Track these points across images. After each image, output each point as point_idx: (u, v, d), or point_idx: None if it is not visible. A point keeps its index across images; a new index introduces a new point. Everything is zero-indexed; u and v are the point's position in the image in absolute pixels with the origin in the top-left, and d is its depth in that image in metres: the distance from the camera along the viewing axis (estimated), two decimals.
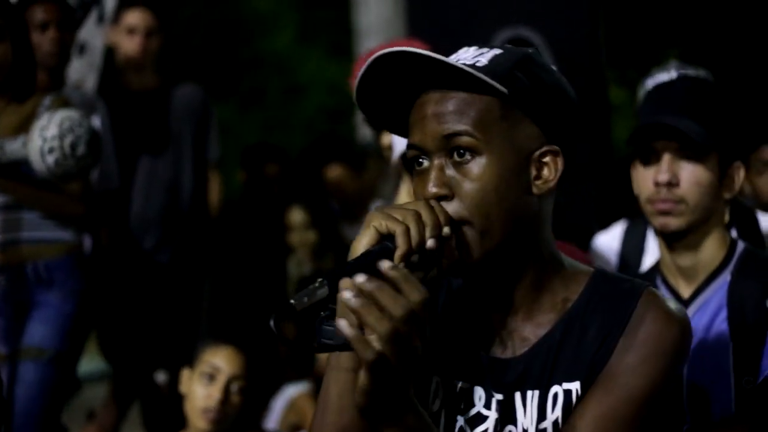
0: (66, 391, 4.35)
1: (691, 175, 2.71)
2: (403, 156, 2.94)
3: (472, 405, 1.92)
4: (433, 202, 1.82)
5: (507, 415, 1.90)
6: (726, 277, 2.74)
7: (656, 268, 2.86)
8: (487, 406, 1.91)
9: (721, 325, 2.70)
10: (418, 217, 1.78)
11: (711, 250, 2.76)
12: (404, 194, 3.46)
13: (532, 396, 1.90)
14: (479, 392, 1.92)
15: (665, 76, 3.46)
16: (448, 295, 1.98)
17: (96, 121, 4.64)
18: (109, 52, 5.45)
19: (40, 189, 4.05)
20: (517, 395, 1.90)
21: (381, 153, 4.37)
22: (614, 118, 4.83)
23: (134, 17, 5.32)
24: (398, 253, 1.77)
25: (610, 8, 4.61)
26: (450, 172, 1.84)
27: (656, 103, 2.82)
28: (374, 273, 1.75)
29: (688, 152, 2.71)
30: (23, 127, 3.98)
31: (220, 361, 3.59)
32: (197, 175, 5.42)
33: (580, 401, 1.87)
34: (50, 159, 3.78)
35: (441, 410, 1.94)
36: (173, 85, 5.46)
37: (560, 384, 1.89)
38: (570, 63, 4.37)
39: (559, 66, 4.45)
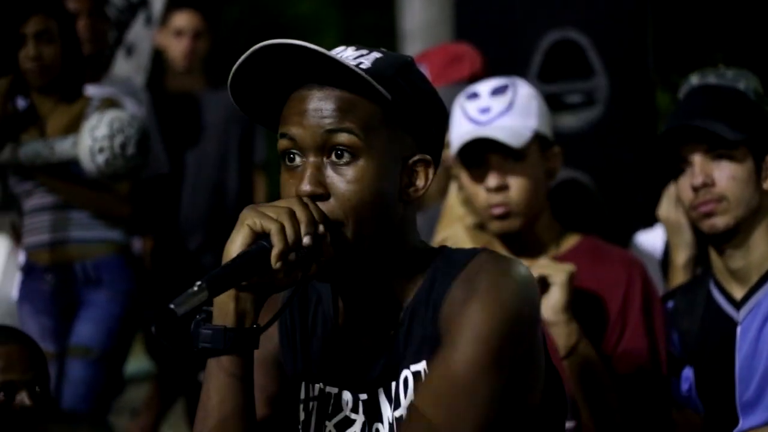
0: (112, 391, 4.38)
1: (724, 172, 2.72)
2: (460, 152, 2.94)
3: (341, 410, 1.90)
4: (306, 200, 1.79)
5: (373, 414, 1.87)
6: None
7: (709, 272, 2.85)
8: (355, 409, 1.89)
9: None
10: (292, 214, 1.76)
11: (761, 250, 2.76)
12: (453, 194, 3.46)
13: (395, 387, 1.86)
14: (347, 396, 1.90)
15: (686, 87, 3.45)
16: (316, 304, 1.96)
17: (140, 108, 4.67)
18: (157, 53, 5.48)
19: (89, 189, 4.08)
20: (381, 391, 1.87)
21: None
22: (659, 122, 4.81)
23: (182, 19, 5.35)
24: (275, 252, 1.74)
25: (657, 12, 4.59)
26: (326, 171, 1.81)
27: (678, 110, 2.84)
28: (252, 274, 1.75)
29: (717, 151, 2.73)
30: (72, 127, 4.02)
31: None
32: (243, 177, 5.44)
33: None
34: (100, 159, 3.81)
35: (311, 417, 1.92)
36: (220, 88, 5.49)
37: (408, 367, 1.85)
38: (617, 66, 4.35)
39: (607, 69, 4.44)
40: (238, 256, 1.74)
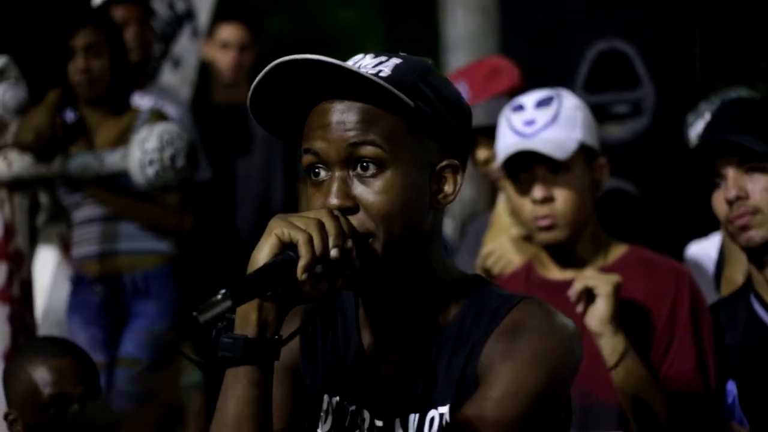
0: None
1: (758, 185, 2.71)
2: (506, 163, 2.94)
3: (356, 427, 1.86)
4: (336, 212, 1.75)
5: None
6: None
7: (749, 285, 2.84)
8: (371, 430, 1.85)
9: None
10: (321, 226, 1.72)
11: None
12: (501, 205, 3.47)
13: (414, 420, 1.83)
14: (364, 415, 1.86)
15: (701, 122, 3.45)
16: (342, 316, 1.93)
17: (182, 113, 4.71)
18: (203, 66, 5.52)
19: (137, 200, 4.12)
20: (397, 421, 1.84)
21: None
22: None
23: (228, 32, 5.37)
24: (302, 263, 1.70)
25: (703, 21, 4.58)
26: (352, 184, 1.77)
27: (710, 124, 2.84)
28: (278, 285, 1.71)
29: (749, 164, 2.72)
30: (121, 139, 4.06)
31: None
32: (288, 188, 5.46)
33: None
34: (150, 171, 3.84)
35: (328, 430, 1.88)
36: None
37: (436, 407, 1.82)
38: (664, 76, 4.35)
39: (654, 79, 4.43)
40: (264, 266, 1.71)
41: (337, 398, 1.89)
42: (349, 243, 1.74)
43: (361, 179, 1.78)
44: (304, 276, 1.71)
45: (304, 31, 11.94)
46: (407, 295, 1.83)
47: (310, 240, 1.70)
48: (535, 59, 4.24)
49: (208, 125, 5.21)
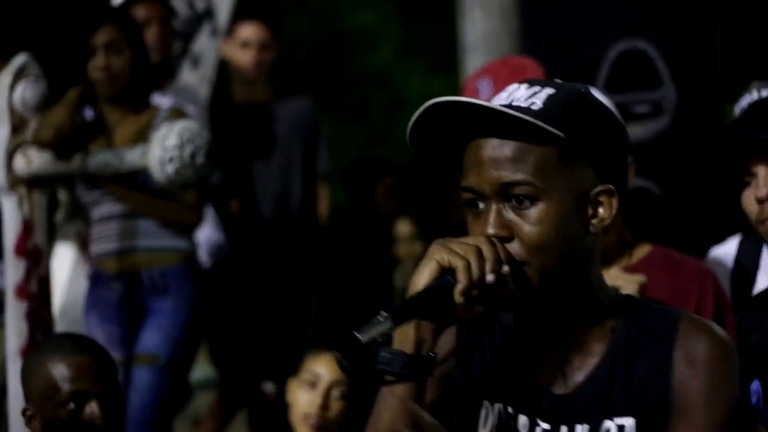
0: (177, 398, 4.40)
1: None
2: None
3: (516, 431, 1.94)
4: (494, 239, 1.85)
5: None
6: None
7: None
8: None
9: None
10: (479, 252, 1.83)
11: None
12: None
13: (584, 430, 1.90)
14: (523, 420, 1.93)
15: (748, 98, 3.43)
16: (499, 327, 2.00)
17: (200, 115, 4.72)
18: (222, 64, 5.51)
19: (156, 198, 4.12)
20: (564, 429, 1.91)
21: None
22: None
23: (248, 31, 5.37)
24: (459, 287, 1.81)
25: (725, 22, 4.56)
26: (508, 214, 1.87)
27: (741, 121, 2.81)
28: (435, 307, 1.82)
29: None
30: (140, 137, 4.06)
31: (321, 368, 3.61)
32: (306, 186, 5.45)
33: None
34: (170, 168, 3.83)
35: None
36: (283, 98, 5.51)
37: (612, 419, 1.89)
38: (685, 76, 4.33)
39: (675, 79, 4.39)
40: (423, 290, 1.82)
41: (498, 404, 1.96)
42: (506, 269, 1.84)
43: (516, 211, 1.86)
44: (461, 300, 1.82)
45: (321, 32, 11.94)
46: (564, 313, 1.91)
47: (469, 266, 1.82)
48: (555, 60, 4.23)
49: (227, 124, 5.21)
